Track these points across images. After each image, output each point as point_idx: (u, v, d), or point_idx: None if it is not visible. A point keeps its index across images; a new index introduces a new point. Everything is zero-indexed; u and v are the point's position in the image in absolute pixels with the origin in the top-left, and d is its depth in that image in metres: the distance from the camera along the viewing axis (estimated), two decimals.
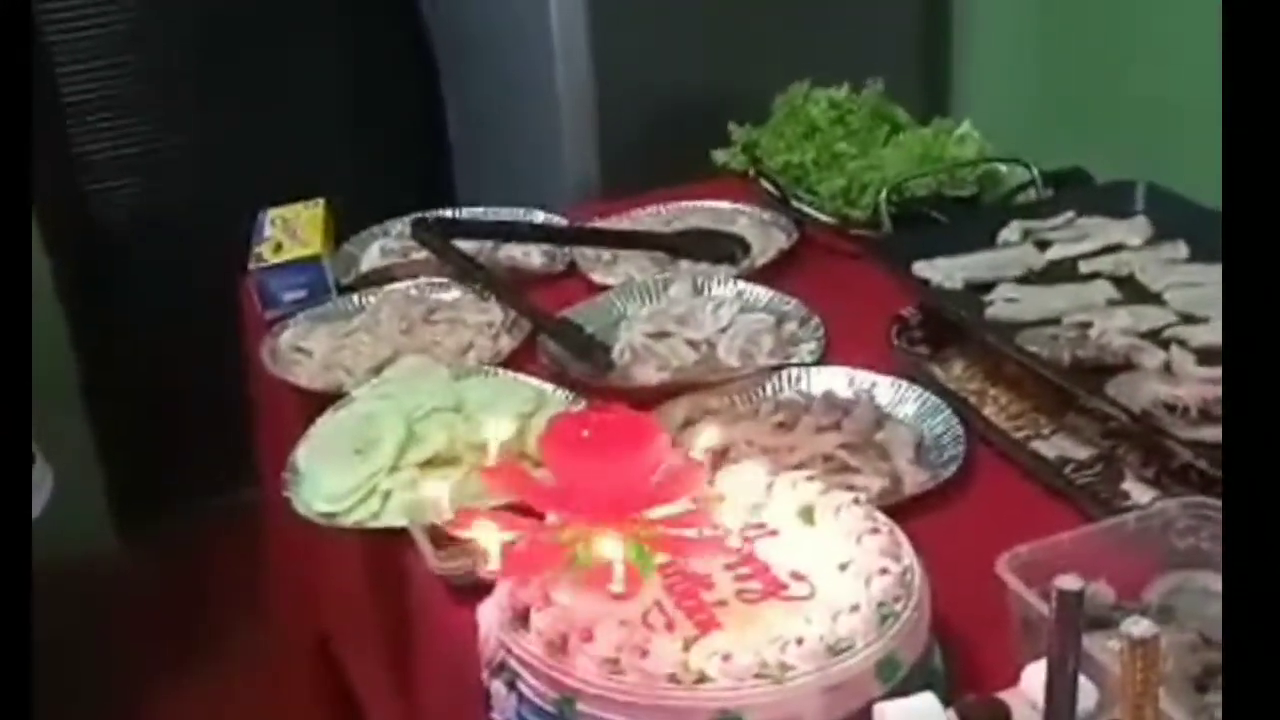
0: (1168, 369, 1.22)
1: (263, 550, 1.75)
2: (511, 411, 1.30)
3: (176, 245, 2.61)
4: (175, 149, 2.67)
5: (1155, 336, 1.27)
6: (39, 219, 2.40)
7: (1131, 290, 1.36)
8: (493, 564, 0.97)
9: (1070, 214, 1.51)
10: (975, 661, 1.00)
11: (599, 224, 1.78)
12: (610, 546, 0.92)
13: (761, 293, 1.55)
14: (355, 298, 1.64)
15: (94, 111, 2.62)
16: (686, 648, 0.89)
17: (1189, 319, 1.29)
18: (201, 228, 2.47)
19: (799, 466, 1.17)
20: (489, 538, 0.97)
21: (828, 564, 0.97)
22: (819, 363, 1.42)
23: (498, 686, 0.95)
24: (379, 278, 1.69)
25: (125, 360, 2.71)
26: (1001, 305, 1.35)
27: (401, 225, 1.80)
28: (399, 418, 1.29)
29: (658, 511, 0.98)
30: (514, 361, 1.46)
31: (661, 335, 1.49)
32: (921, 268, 1.41)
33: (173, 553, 2.63)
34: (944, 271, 1.41)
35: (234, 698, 2.24)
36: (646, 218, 1.80)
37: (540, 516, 1.02)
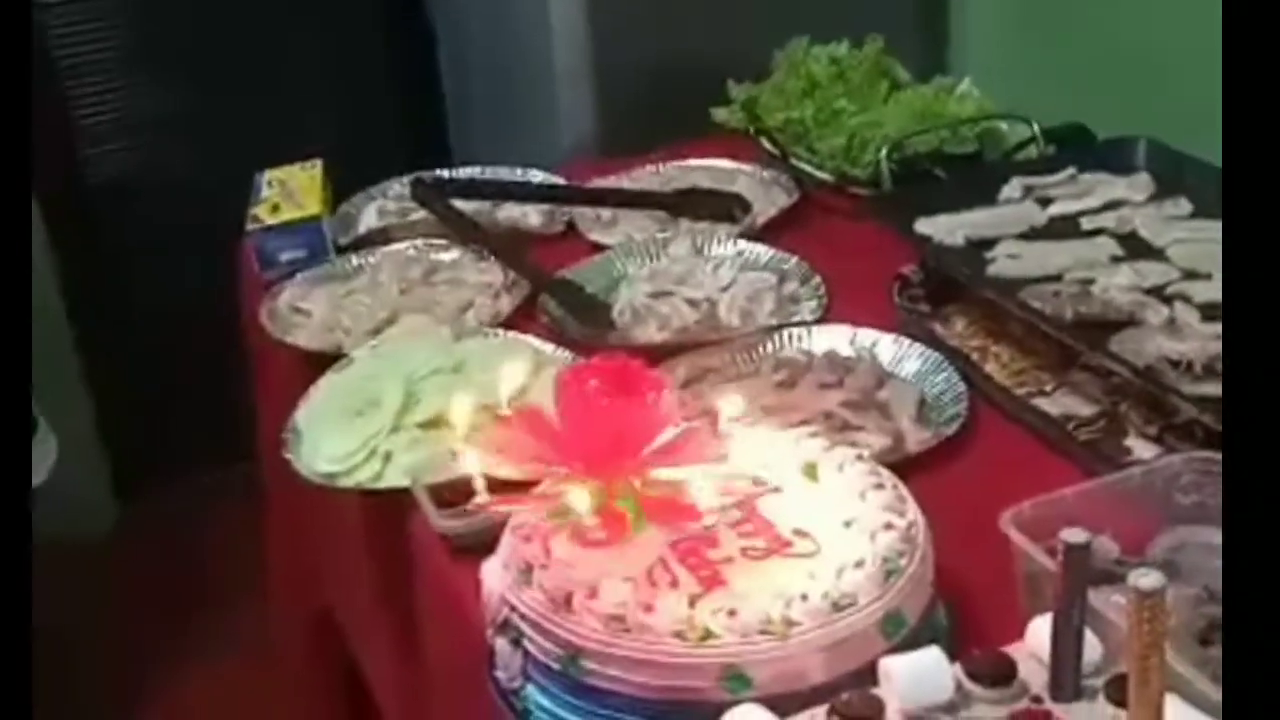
0: (1171, 325, 1.22)
1: (261, 519, 1.75)
2: (513, 370, 1.29)
3: (173, 208, 2.60)
4: (171, 111, 2.64)
5: (1158, 293, 1.27)
6: (35, 187, 2.38)
7: (1134, 246, 1.36)
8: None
9: (1072, 170, 1.50)
10: (979, 617, 1.00)
11: (598, 183, 1.77)
12: (578, 498, 0.92)
13: (762, 251, 1.54)
14: (354, 258, 1.63)
15: (89, 74, 2.59)
16: (691, 604, 0.89)
17: (1192, 275, 1.29)
18: (198, 190, 2.45)
19: (801, 425, 1.17)
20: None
21: (831, 520, 0.97)
22: (820, 321, 1.41)
23: (502, 644, 0.95)
24: (378, 238, 1.68)
25: (125, 330, 2.70)
26: (1003, 262, 1.35)
27: (399, 186, 1.79)
28: (399, 379, 1.29)
29: (662, 471, 0.98)
30: (514, 322, 1.46)
31: (662, 294, 1.48)
32: (923, 225, 1.41)
33: (173, 524, 2.62)
34: (945, 229, 1.40)
35: (234, 669, 2.23)
36: (646, 177, 1.79)
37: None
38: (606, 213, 1.70)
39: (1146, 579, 0.72)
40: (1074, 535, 0.81)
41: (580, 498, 0.93)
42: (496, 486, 1.02)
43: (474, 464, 1.00)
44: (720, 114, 1.83)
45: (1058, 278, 1.30)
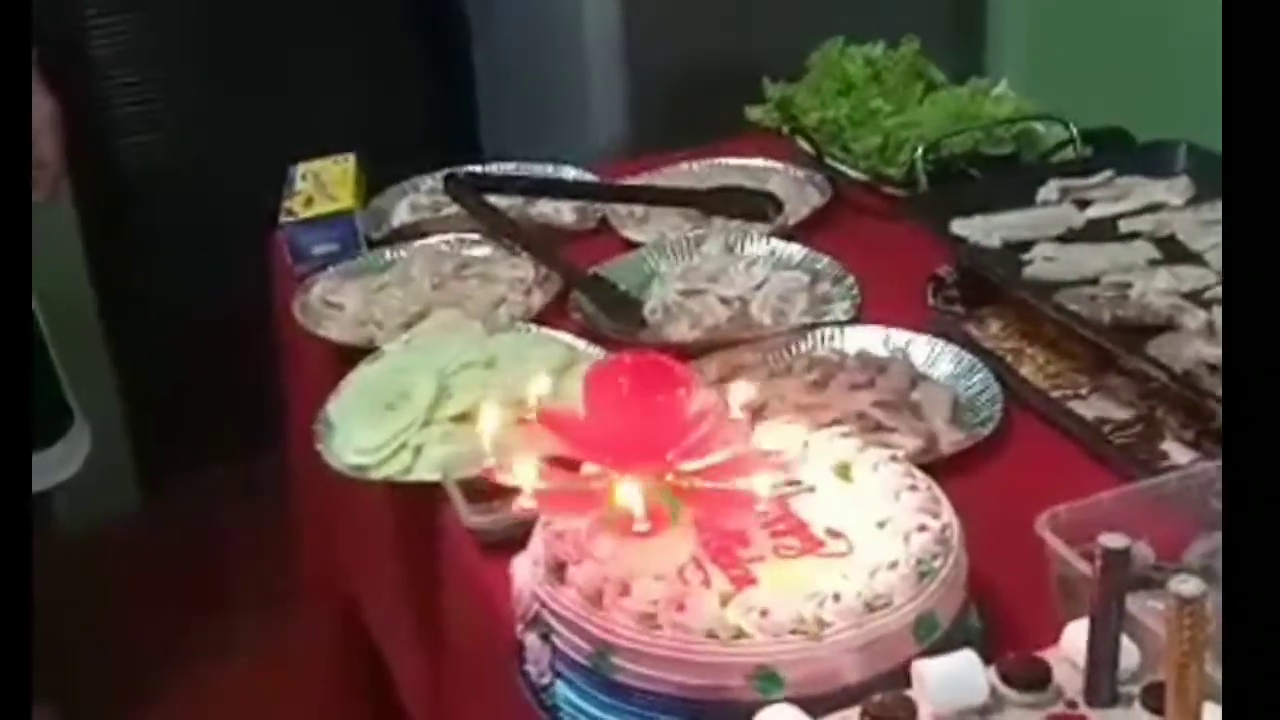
0: (1209, 329, 1.21)
1: (288, 512, 1.75)
2: (544, 367, 1.29)
3: (204, 201, 2.61)
4: (203, 104, 2.66)
5: (1196, 297, 1.26)
6: (70, 174, 2.39)
7: (1172, 250, 1.35)
8: (526, 503, 0.95)
9: (1110, 173, 1.49)
10: (1012, 621, 0.99)
11: (631, 180, 1.76)
12: (629, 491, 0.92)
13: (795, 250, 1.53)
14: (386, 252, 1.63)
15: (122, 65, 2.61)
16: (724, 603, 0.88)
17: None
18: (230, 184, 2.46)
19: (832, 425, 1.16)
20: (527, 481, 0.95)
21: (865, 521, 0.96)
22: (853, 321, 1.40)
23: (532, 640, 0.95)
24: (410, 233, 1.69)
25: (153, 323, 2.71)
26: (1040, 264, 1.34)
27: (431, 181, 1.79)
28: (431, 372, 1.29)
29: (693, 464, 0.97)
30: (545, 317, 1.45)
31: (694, 293, 1.48)
32: (958, 226, 1.40)
33: (198, 516, 2.63)
34: (981, 230, 1.39)
35: (258, 662, 2.24)
36: (679, 174, 1.79)
37: (576, 469, 1.01)
38: (639, 210, 1.69)
39: (1187, 585, 0.71)
40: (1113, 541, 0.80)
41: (633, 495, 0.92)
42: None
43: (525, 476, 0.98)
44: (755, 113, 1.82)
45: (1095, 281, 1.29)
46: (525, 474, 0.95)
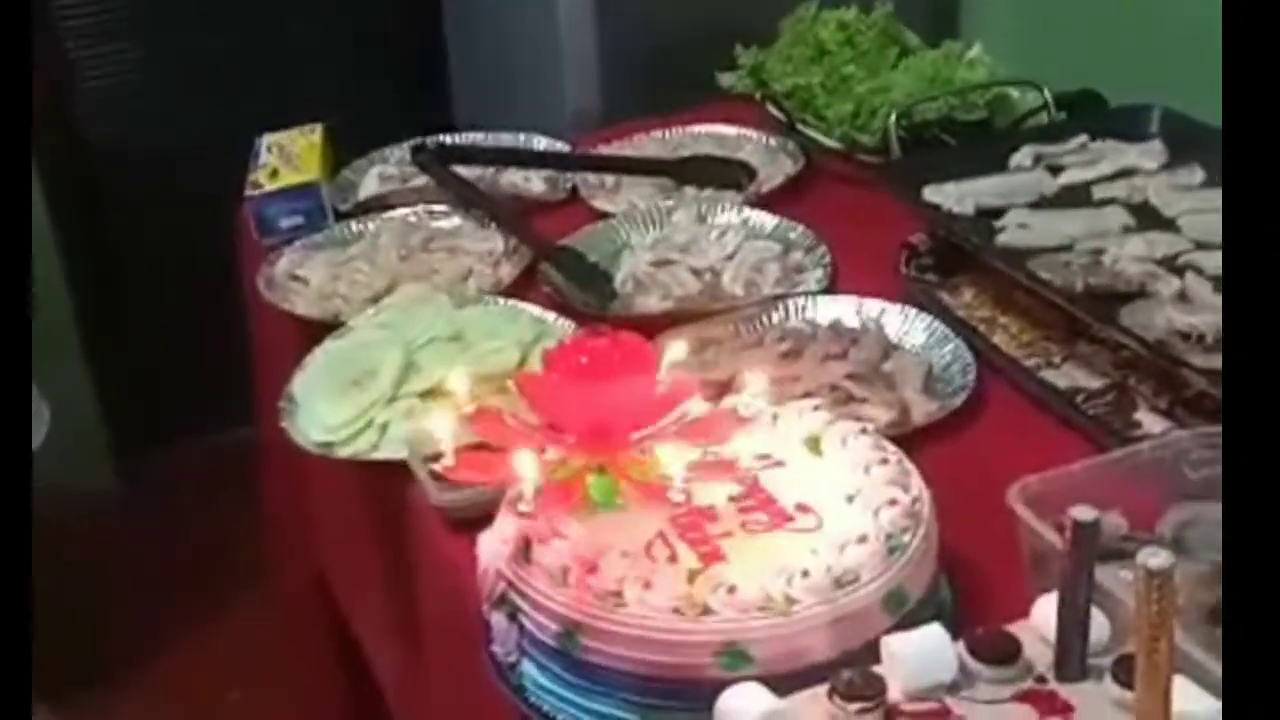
0: (1183, 296, 1.20)
1: (259, 486, 1.74)
2: (512, 340, 1.28)
3: (173, 173, 2.57)
4: (172, 76, 2.62)
5: (1170, 263, 1.24)
6: (34, 152, 2.36)
7: (1146, 216, 1.33)
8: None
9: (1083, 138, 1.48)
10: (983, 594, 0.99)
11: (602, 150, 1.74)
12: (672, 457, 0.91)
13: (767, 220, 1.52)
14: (353, 225, 1.61)
15: (88, 36, 2.57)
16: (691, 580, 0.87)
17: (1204, 245, 1.26)
18: (198, 155, 2.42)
19: (805, 396, 1.15)
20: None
21: (835, 495, 0.95)
22: (826, 291, 1.39)
23: (499, 619, 0.94)
24: (377, 205, 1.66)
25: (123, 295, 2.68)
26: (1013, 231, 1.32)
27: (400, 151, 1.77)
28: (398, 348, 1.27)
29: (659, 442, 0.96)
30: (515, 290, 1.44)
31: (665, 263, 1.46)
32: (931, 193, 1.38)
33: (172, 490, 2.61)
34: (954, 197, 1.38)
35: (231, 635, 2.23)
36: (650, 143, 1.77)
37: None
38: (610, 180, 1.68)
39: (1156, 558, 0.70)
40: (1083, 513, 0.79)
41: (529, 465, 0.92)
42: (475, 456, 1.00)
43: (445, 430, 0.98)
44: (726, 79, 1.80)
45: (1068, 248, 1.28)
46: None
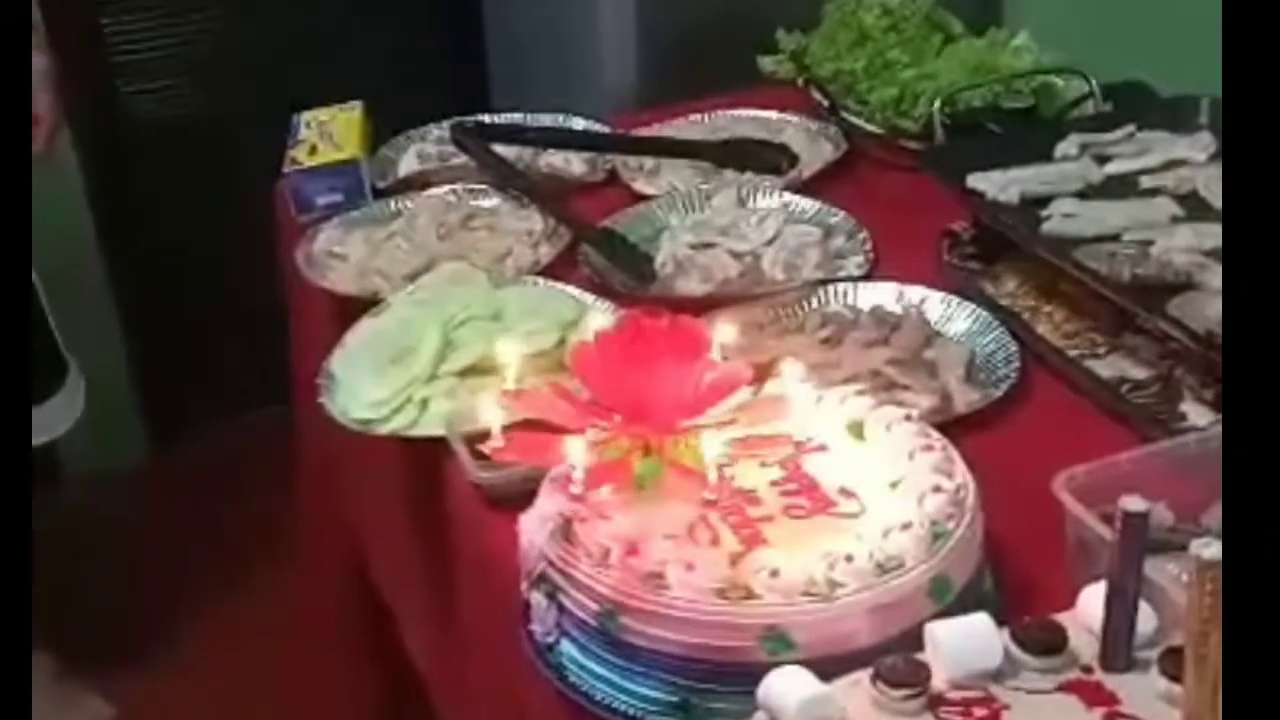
0: None
1: (294, 464, 1.74)
2: (552, 321, 1.27)
3: (211, 149, 2.58)
4: (210, 52, 2.62)
5: (1218, 255, 1.23)
6: (71, 124, 2.36)
7: (1194, 207, 1.32)
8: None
9: (1130, 128, 1.46)
10: (1027, 584, 0.98)
11: (641, 132, 1.73)
12: (709, 445, 0.90)
13: (808, 204, 1.51)
14: (392, 203, 1.61)
15: (127, 12, 2.57)
16: (733, 563, 0.87)
17: None
18: (236, 132, 2.44)
19: (845, 383, 1.14)
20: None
21: (878, 481, 0.94)
22: (867, 277, 1.38)
23: (538, 598, 0.93)
24: (416, 183, 1.66)
25: (158, 272, 2.68)
26: (1058, 220, 1.31)
27: (439, 130, 1.77)
28: (436, 326, 1.27)
29: (703, 421, 0.96)
30: (553, 271, 1.43)
31: (705, 246, 1.45)
32: (975, 180, 1.37)
33: (205, 467, 2.62)
34: (998, 185, 1.36)
35: (264, 614, 2.23)
36: (690, 126, 1.76)
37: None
38: (650, 162, 1.67)
39: (1209, 549, 0.69)
40: (1133, 503, 0.78)
41: (578, 446, 0.91)
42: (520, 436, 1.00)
43: (492, 410, 0.98)
44: (768, 63, 1.79)
45: (1115, 238, 1.26)
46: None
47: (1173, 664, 0.78)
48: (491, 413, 1.02)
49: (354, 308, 1.38)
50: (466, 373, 1.22)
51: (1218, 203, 1.31)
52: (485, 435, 1.05)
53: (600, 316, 1.28)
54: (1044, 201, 1.34)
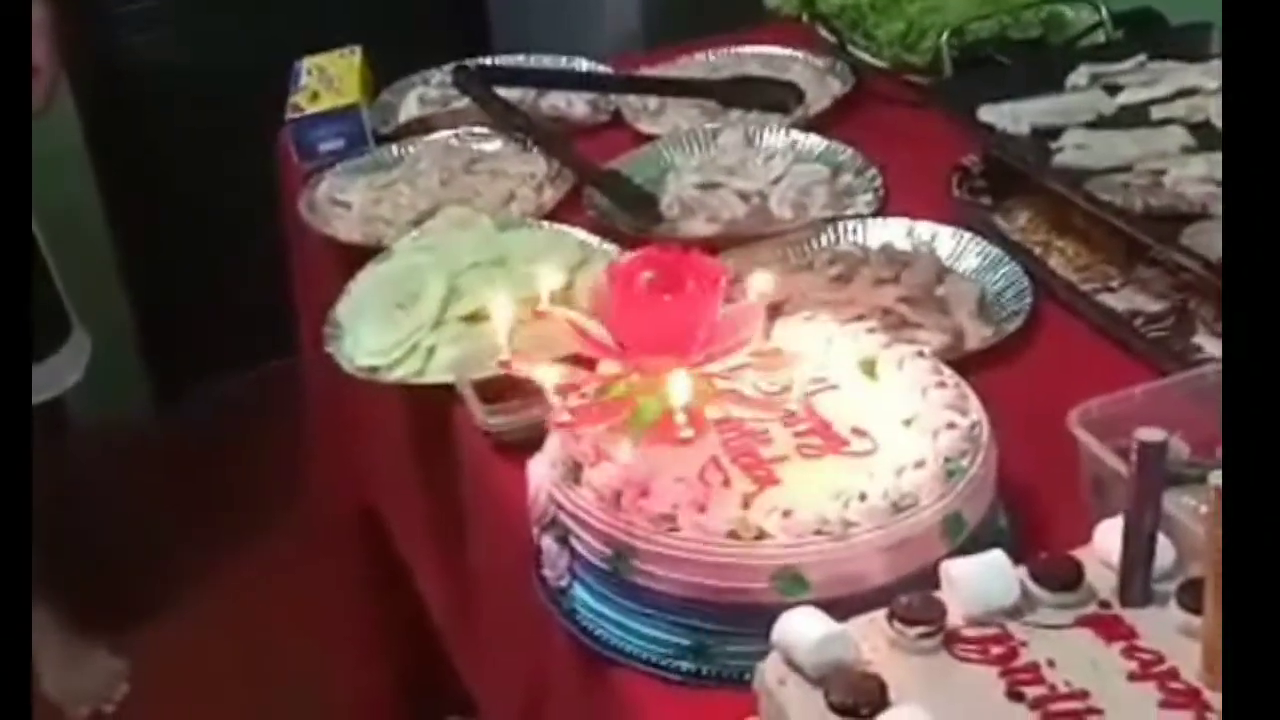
0: None
1: (302, 416, 1.73)
2: (558, 264, 1.26)
3: (212, 97, 2.55)
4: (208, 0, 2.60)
5: None
6: (70, 78, 2.34)
7: (1207, 136, 1.29)
8: (551, 410, 0.93)
9: (1142, 57, 1.43)
10: (1041, 520, 0.97)
11: (645, 71, 1.71)
12: (677, 389, 0.89)
13: (816, 142, 1.49)
14: (394, 148, 1.59)
15: None
16: (745, 504, 0.86)
17: None
18: (236, 79, 2.40)
19: (856, 321, 1.13)
20: (547, 382, 0.93)
21: (891, 418, 0.93)
22: (876, 214, 1.36)
23: (549, 543, 0.93)
24: (418, 127, 1.64)
25: (162, 224, 2.67)
26: (1070, 152, 1.29)
27: (440, 74, 1.75)
28: (441, 271, 1.26)
29: (715, 366, 0.94)
30: (558, 214, 1.42)
31: (711, 186, 1.44)
32: (985, 113, 1.35)
33: (212, 421, 2.62)
34: (1009, 117, 1.34)
35: (275, 565, 2.24)
36: (694, 65, 1.73)
37: (592, 366, 0.98)
38: (654, 102, 1.65)
39: None
40: (1150, 434, 0.77)
41: (679, 390, 0.90)
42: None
43: (548, 375, 0.96)
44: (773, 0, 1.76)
45: (1127, 168, 1.24)
46: (548, 375, 0.92)
47: (1191, 597, 0.77)
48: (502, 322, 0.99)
49: (358, 255, 1.37)
50: (472, 318, 1.21)
51: None
52: (494, 381, 1.04)
53: (606, 259, 1.28)
54: (1055, 133, 1.32)
